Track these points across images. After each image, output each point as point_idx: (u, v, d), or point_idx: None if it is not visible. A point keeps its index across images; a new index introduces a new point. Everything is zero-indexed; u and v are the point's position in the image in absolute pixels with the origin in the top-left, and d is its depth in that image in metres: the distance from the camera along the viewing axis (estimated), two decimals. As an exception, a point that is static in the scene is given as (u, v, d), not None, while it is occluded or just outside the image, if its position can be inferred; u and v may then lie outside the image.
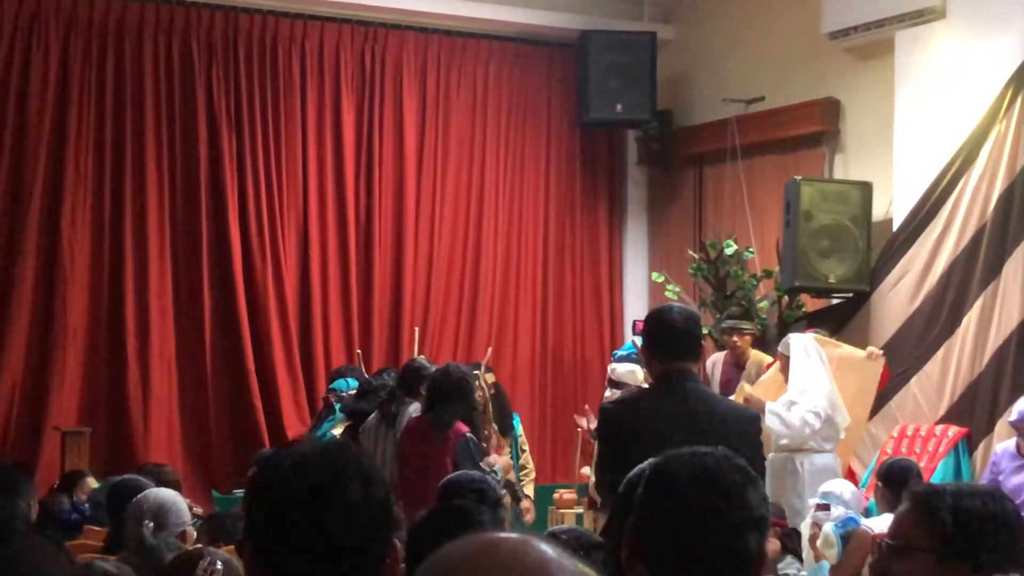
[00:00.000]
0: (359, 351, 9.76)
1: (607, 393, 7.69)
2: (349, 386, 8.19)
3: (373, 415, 6.88)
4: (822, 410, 7.16)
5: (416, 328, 9.26)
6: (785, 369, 7.44)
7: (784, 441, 7.16)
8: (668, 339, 4.23)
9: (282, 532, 1.94)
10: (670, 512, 2.14)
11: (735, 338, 8.47)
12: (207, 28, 9.92)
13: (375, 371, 8.60)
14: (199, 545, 4.12)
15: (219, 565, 3.11)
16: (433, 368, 6.92)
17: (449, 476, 4.53)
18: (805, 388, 7.25)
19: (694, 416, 4.09)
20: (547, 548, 1.25)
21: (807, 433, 7.14)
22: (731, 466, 2.17)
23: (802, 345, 7.47)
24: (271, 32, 10.13)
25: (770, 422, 7.03)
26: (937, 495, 2.52)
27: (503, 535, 1.27)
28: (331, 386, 8.60)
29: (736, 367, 8.48)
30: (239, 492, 7.99)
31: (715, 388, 8.33)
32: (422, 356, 7.71)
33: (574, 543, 3.20)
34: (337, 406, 8.13)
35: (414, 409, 6.62)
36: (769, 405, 7.15)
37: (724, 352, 8.75)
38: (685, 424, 4.03)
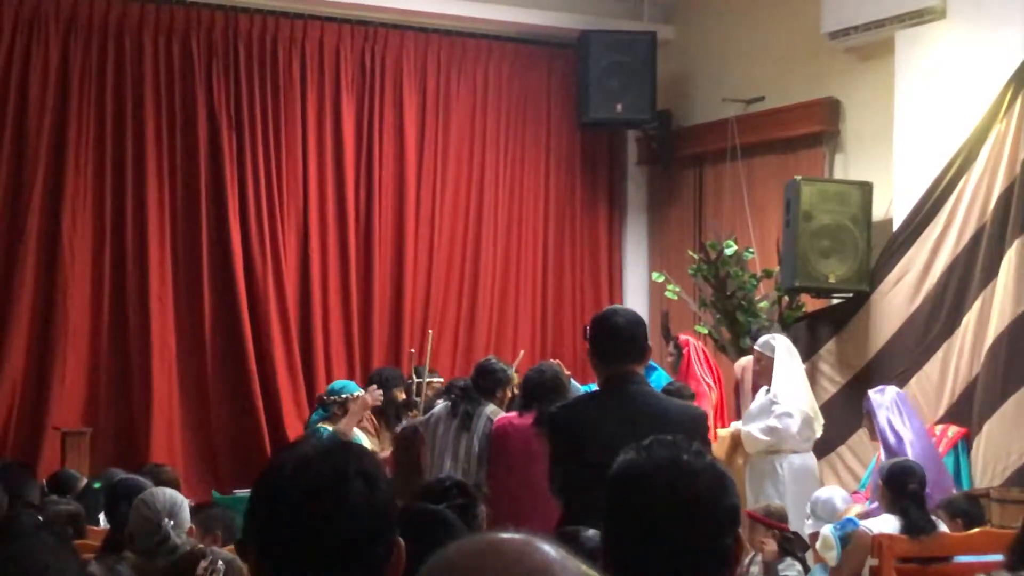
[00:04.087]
0: (412, 350, 9.65)
1: None
2: (346, 389, 8.14)
3: (439, 412, 6.84)
4: (801, 411, 7.25)
5: (430, 332, 9.23)
6: (767, 369, 7.47)
7: (768, 440, 7.23)
8: (611, 342, 4.33)
9: (284, 533, 1.94)
10: (645, 517, 2.14)
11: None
12: (207, 28, 9.92)
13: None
14: (200, 545, 4.13)
15: (220, 564, 3.11)
16: (509, 370, 6.98)
17: (428, 481, 4.55)
18: (789, 390, 7.34)
19: (639, 417, 4.17)
20: (550, 549, 1.25)
21: (792, 433, 7.20)
22: (703, 465, 2.18)
23: (785, 346, 7.52)
24: (271, 32, 10.13)
25: (753, 438, 7.24)
26: None
27: (506, 535, 1.27)
28: (329, 387, 8.56)
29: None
30: (239, 492, 7.98)
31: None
32: (494, 356, 7.68)
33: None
34: (327, 410, 8.07)
35: (490, 411, 6.60)
36: (744, 429, 7.35)
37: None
38: (631, 425, 4.08)
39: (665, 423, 4.10)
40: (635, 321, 4.41)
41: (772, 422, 7.22)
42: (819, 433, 7.50)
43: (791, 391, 7.32)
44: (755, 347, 7.68)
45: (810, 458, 7.33)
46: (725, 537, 2.15)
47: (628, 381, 4.30)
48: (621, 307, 4.80)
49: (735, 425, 7.73)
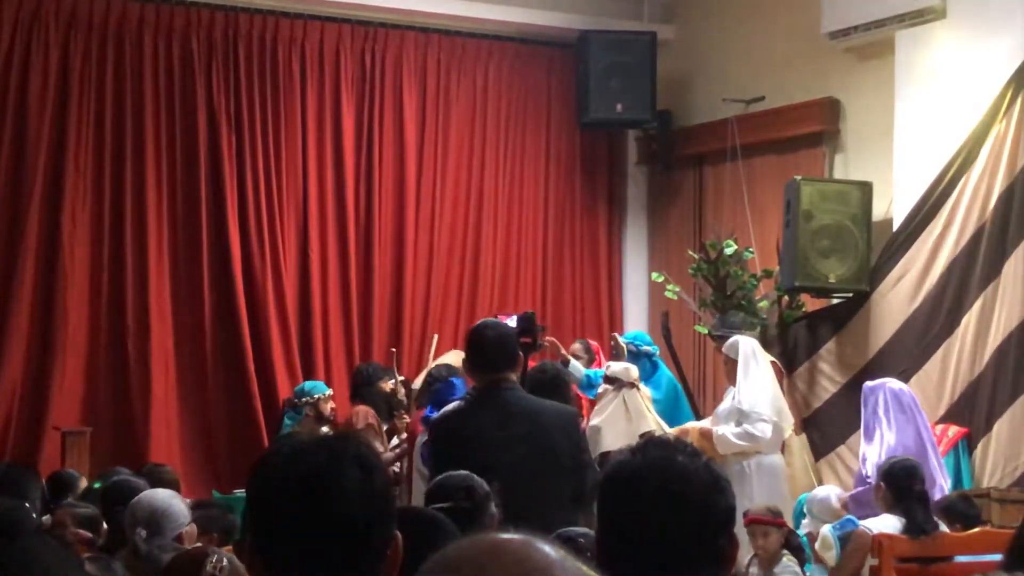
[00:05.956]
0: (393, 349, 9.61)
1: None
2: (316, 389, 8.12)
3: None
4: (772, 416, 7.20)
5: (436, 335, 9.21)
6: (732, 371, 7.42)
7: (743, 445, 7.18)
8: (481, 354, 4.70)
9: (279, 519, 1.94)
10: (639, 518, 2.14)
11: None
12: (207, 28, 9.92)
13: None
14: (199, 545, 4.11)
15: (225, 563, 3.10)
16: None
17: (437, 478, 4.57)
18: (753, 395, 7.27)
19: (514, 418, 4.58)
20: (550, 550, 1.25)
21: (768, 439, 7.16)
22: (698, 466, 2.18)
23: (749, 348, 7.46)
24: (271, 32, 10.13)
25: (728, 441, 7.13)
26: None
27: (506, 536, 1.27)
28: (297, 389, 8.53)
29: None
30: (239, 492, 7.99)
31: None
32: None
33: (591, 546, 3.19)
34: (299, 412, 8.06)
35: None
36: (717, 430, 7.21)
37: None
38: (506, 426, 4.54)
39: (538, 423, 4.60)
40: (503, 333, 4.80)
41: (749, 428, 7.16)
42: (788, 433, 7.52)
43: (756, 396, 7.27)
44: (722, 348, 7.64)
45: (778, 458, 7.32)
46: (719, 537, 2.15)
47: (501, 387, 4.64)
48: (492, 320, 5.36)
49: (700, 423, 7.63)
